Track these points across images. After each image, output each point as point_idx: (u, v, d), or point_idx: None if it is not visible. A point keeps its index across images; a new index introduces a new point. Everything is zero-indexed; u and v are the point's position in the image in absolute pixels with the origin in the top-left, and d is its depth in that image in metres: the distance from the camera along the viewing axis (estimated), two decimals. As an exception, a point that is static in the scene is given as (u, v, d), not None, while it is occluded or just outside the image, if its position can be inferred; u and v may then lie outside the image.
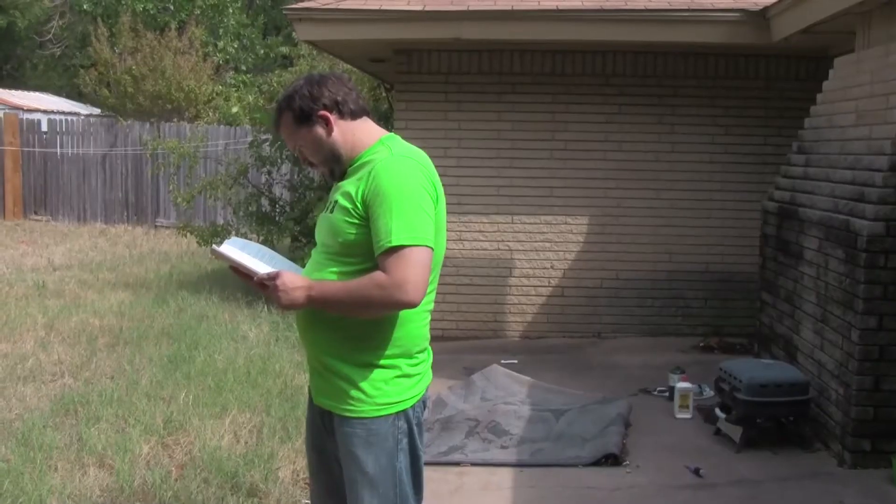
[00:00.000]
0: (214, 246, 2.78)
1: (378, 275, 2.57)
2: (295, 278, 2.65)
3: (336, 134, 2.75)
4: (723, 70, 8.23)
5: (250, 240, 3.20)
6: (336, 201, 2.72)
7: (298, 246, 10.39)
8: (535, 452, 5.29)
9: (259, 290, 2.73)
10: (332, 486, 2.90)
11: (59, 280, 11.22)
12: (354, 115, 2.79)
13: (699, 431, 5.74)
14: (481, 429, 5.63)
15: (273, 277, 2.63)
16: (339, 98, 2.76)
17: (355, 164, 2.76)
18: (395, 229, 2.55)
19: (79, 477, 4.82)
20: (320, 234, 2.80)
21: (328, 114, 2.74)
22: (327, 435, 2.85)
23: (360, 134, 2.79)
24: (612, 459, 5.15)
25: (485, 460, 5.17)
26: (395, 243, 2.54)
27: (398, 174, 2.63)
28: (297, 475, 4.90)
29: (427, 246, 2.60)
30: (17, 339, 7.95)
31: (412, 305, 2.59)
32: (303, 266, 2.88)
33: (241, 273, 2.75)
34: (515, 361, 7.33)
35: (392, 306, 2.61)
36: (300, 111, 2.74)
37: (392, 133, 2.84)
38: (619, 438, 5.41)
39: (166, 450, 5.28)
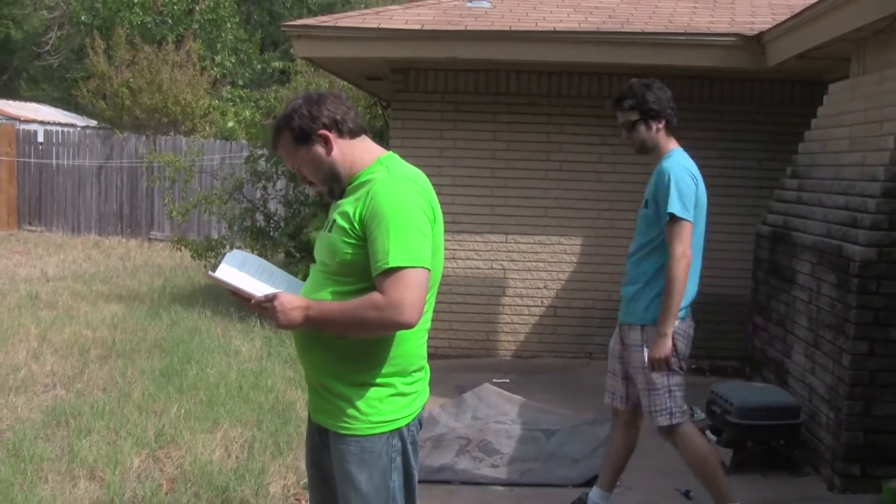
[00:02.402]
0: (210, 272, 2.77)
1: (375, 296, 2.58)
2: (293, 298, 2.66)
3: (335, 153, 2.76)
4: (718, 94, 8.28)
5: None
6: (334, 221, 2.72)
7: (292, 261, 10.41)
8: (526, 472, 5.30)
9: (257, 311, 2.74)
10: (330, 502, 2.90)
11: (52, 291, 11.21)
12: (353, 134, 2.80)
13: (690, 453, 5.74)
14: (472, 447, 5.63)
15: (271, 299, 2.64)
16: (339, 117, 2.76)
17: (354, 184, 2.76)
18: (392, 251, 2.56)
19: (69, 489, 4.81)
20: (319, 252, 2.80)
21: (328, 133, 2.75)
22: (325, 451, 2.85)
23: (358, 153, 2.79)
24: (602, 480, 5.15)
25: (475, 479, 5.18)
26: (392, 265, 2.55)
27: (396, 195, 2.64)
28: (288, 491, 4.90)
29: (424, 267, 2.61)
30: (9, 350, 7.93)
31: (409, 326, 2.60)
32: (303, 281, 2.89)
33: (238, 295, 2.76)
34: (507, 381, 7.34)
35: (389, 327, 2.62)
36: (300, 130, 2.75)
37: (390, 152, 2.86)
38: (610, 459, 5.41)
39: (157, 463, 5.27)
